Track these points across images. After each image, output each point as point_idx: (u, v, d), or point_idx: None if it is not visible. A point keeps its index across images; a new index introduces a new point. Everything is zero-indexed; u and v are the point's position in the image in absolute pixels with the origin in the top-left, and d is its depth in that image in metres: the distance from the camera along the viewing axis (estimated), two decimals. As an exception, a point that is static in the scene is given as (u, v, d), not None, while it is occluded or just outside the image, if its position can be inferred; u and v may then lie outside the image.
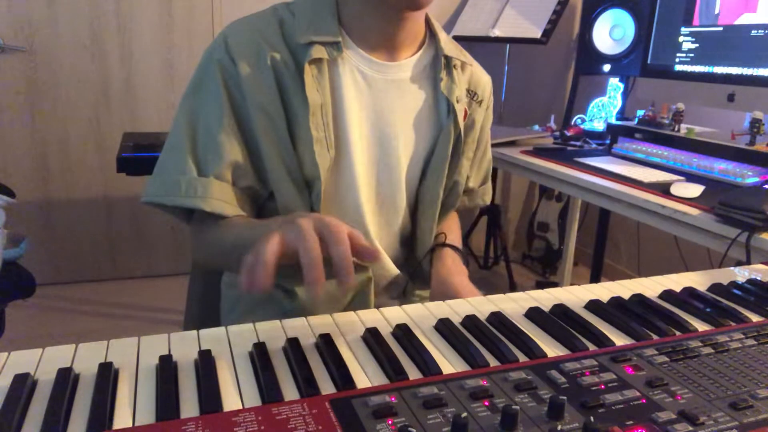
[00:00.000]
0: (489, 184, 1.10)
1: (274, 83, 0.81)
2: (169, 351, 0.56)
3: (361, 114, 0.85)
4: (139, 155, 1.83)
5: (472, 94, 0.96)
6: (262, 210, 0.89)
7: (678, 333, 0.64)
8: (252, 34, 0.82)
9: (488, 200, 1.10)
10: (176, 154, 0.81)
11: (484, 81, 0.99)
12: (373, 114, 0.86)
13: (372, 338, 0.59)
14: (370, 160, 0.88)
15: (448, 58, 0.90)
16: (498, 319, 0.65)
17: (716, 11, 1.63)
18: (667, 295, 0.74)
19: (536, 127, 2.39)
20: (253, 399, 0.49)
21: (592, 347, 0.60)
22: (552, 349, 0.59)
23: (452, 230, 1.03)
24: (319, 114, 0.81)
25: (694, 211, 1.27)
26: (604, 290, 0.75)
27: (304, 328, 0.62)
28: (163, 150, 0.84)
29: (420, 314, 0.66)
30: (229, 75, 0.81)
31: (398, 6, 0.82)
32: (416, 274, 0.99)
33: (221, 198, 0.80)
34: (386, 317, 0.66)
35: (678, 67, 1.75)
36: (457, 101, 0.90)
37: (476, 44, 2.76)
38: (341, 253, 0.56)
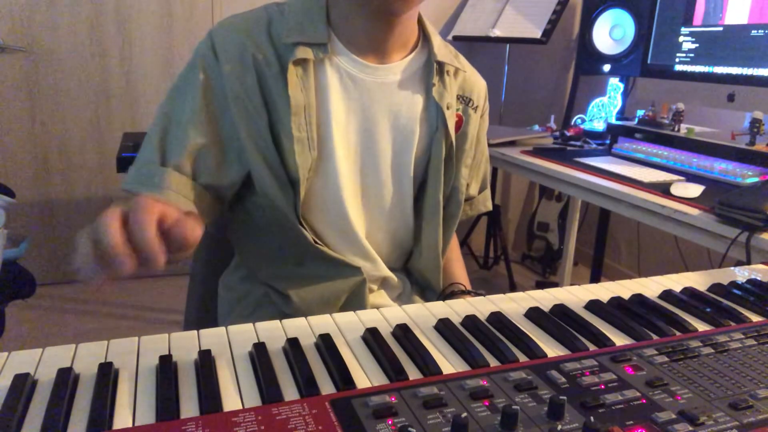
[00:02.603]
0: (488, 190, 1.08)
1: (256, 83, 0.81)
2: (169, 351, 0.56)
3: (348, 115, 0.85)
4: (139, 155, 1.83)
5: (466, 100, 0.94)
6: (250, 207, 0.88)
7: (678, 333, 0.64)
8: (237, 33, 0.83)
9: (489, 206, 1.08)
10: (147, 144, 0.82)
11: (479, 86, 0.97)
12: (361, 115, 0.85)
13: (372, 338, 0.59)
14: (355, 162, 0.87)
15: (440, 64, 0.88)
16: (498, 319, 0.65)
17: (721, 14, 1.63)
18: (667, 295, 0.74)
19: (536, 127, 2.39)
20: (253, 399, 0.49)
21: (592, 347, 0.60)
22: (552, 349, 0.59)
23: (461, 275, 1.02)
24: (302, 114, 0.81)
25: (694, 211, 1.27)
26: (604, 290, 0.75)
27: (304, 328, 0.62)
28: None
29: (420, 314, 0.67)
30: (211, 70, 0.82)
31: (379, 11, 0.81)
32: (416, 280, 0.98)
33: (178, 190, 0.80)
34: (386, 317, 0.66)
35: (678, 67, 1.75)
36: (447, 108, 0.89)
37: (476, 44, 2.75)
38: (140, 241, 0.53)
